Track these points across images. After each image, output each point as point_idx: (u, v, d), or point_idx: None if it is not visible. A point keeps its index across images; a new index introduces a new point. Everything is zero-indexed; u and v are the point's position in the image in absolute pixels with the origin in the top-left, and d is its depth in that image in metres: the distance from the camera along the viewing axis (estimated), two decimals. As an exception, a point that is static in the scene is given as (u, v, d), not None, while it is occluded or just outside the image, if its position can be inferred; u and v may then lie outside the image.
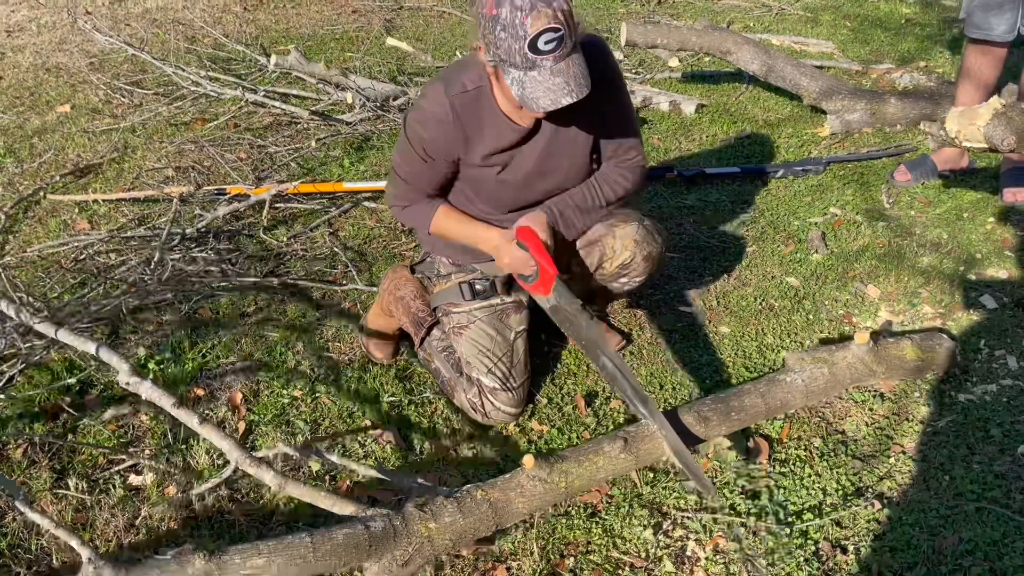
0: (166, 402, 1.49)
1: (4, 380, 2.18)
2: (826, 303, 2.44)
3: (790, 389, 1.88)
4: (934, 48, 4.25)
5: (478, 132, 1.90)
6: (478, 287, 2.09)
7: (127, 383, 1.50)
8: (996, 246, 2.60)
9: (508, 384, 2.03)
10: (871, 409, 2.03)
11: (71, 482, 1.90)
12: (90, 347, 1.58)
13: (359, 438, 2.04)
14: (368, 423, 2.09)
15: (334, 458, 1.69)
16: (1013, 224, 2.69)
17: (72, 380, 2.18)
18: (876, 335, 2.08)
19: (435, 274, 2.18)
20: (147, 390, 1.49)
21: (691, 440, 1.81)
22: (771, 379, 1.93)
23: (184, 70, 4.10)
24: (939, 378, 2.09)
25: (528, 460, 1.66)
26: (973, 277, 2.47)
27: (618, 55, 4.26)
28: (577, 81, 1.69)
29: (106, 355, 1.57)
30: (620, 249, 2.02)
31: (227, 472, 1.75)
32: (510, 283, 2.11)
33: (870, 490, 1.81)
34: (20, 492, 1.44)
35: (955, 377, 2.10)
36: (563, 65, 1.68)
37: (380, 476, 1.69)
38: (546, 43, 1.65)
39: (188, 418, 1.47)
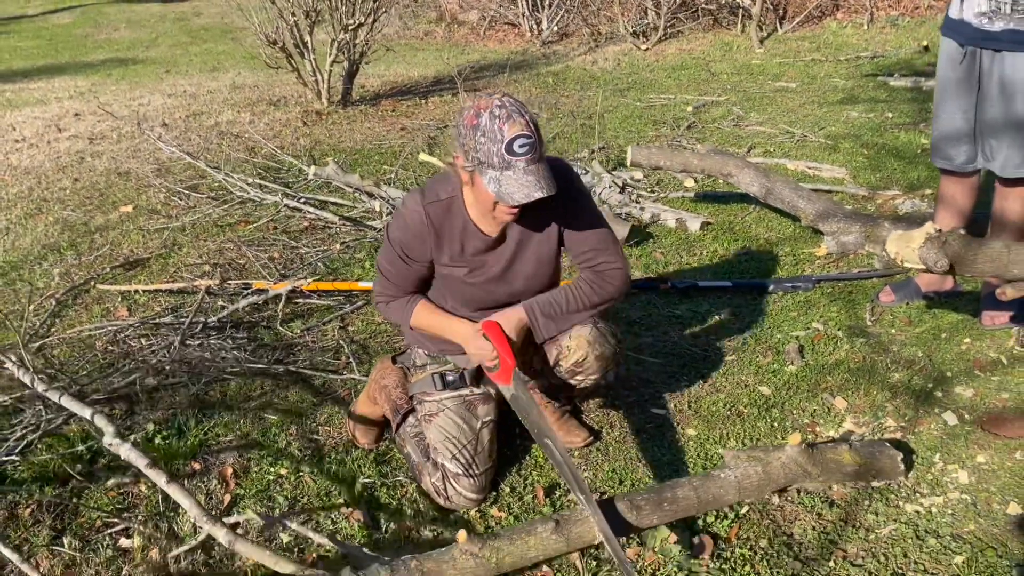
0: (141, 462, 1.69)
1: (23, 444, 2.42)
2: (793, 412, 2.53)
3: (723, 485, 1.98)
4: (944, 176, 4.38)
5: (448, 237, 2.13)
6: (449, 378, 2.27)
7: (110, 444, 1.71)
8: (968, 365, 2.66)
9: (471, 471, 2.17)
10: (819, 514, 2.10)
11: (66, 540, 2.10)
12: (86, 412, 1.80)
13: (332, 515, 2.19)
14: (342, 502, 2.24)
15: (293, 525, 1.85)
16: (988, 346, 2.75)
17: (82, 448, 2.41)
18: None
19: (412, 364, 2.37)
20: (126, 451, 1.69)
21: (623, 527, 1.90)
22: (706, 474, 2.03)
23: (233, 177, 4.50)
24: (890, 487, 2.16)
25: (462, 535, 1.79)
26: (940, 394, 2.54)
27: (638, 175, 4.51)
28: (547, 181, 1.93)
29: (98, 420, 1.79)
30: (575, 348, 2.19)
31: (201, 536, 1.93)
32: (480, 376, 2.28)
33: (803, 591, 1.87)
34: None
35: (906, 487, 2.16)
36: (534, 167, 1.93)
37: (333, 544, 1.84)
38: (520, 146, 1.90)
39: (157, 477, 1.66)
